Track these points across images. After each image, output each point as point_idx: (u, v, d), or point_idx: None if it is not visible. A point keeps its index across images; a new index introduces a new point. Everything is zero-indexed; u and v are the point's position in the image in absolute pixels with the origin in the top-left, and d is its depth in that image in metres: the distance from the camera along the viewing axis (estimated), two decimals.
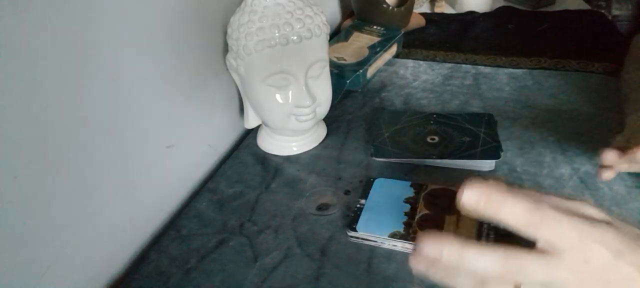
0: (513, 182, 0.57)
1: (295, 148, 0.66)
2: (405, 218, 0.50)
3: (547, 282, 0.27)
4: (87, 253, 0.47)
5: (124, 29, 0.48)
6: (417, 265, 0.30)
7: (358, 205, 0.53)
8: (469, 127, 0.64)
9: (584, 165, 0.58)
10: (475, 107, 0.73)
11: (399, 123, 0.67)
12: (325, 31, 0.60)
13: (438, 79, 0.81)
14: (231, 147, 0.71)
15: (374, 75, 0.84)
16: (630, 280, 0.27)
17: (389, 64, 0.88)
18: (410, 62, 0.88)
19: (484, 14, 1.09)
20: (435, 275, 0.30)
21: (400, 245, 0.48)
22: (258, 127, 0.69)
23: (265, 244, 0.52)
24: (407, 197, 0.53)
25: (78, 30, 0.43)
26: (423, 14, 1.08)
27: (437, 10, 1.17)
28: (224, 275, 0.48)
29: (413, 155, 0.61)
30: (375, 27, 0.92)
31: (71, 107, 0.43)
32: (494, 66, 0.84)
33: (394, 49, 0.89)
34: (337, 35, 0.92)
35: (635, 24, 1.09)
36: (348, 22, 1.03)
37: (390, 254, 0.49)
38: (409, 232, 0.48)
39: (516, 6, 1.12)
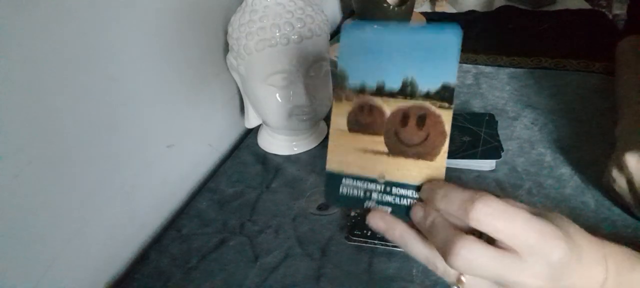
0: (514, 182, 0.57)
1: (295, 148, 0.66)
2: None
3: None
4: (87, 253, 0.47)
5: (124, 29, 0.48)
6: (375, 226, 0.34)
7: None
8: (470, 126, 0.64)
9: (584, 165, 0.58)
10: (476, 106, 0.73)
11: None
12: (326, 31, 0.60)
13: None
14: (231, 147, 0.71)
15: None
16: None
17: None
18: None
19: (485, 14, 1.09)
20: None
21: None
22: (258, 126, 0.69)
23: (266, 244, 0.52)
24: None
25: (78, 30, 0.42)
26: (424, 14, 1.08)
27: (438, 9, 1.17)
28: (224, 275, 0.48)
29: None
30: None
31: (71, 107, 0.43)
32: (494, 66, 0.84)
33: None
34: (337, 34, 0.92)
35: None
36: (349, 22, 1.03)
37: (391, 254, 0.49)
38: None
39: (517, 6, 1.11)
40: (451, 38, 0.33)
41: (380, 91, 0.34)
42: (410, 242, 0.32)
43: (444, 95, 0.33)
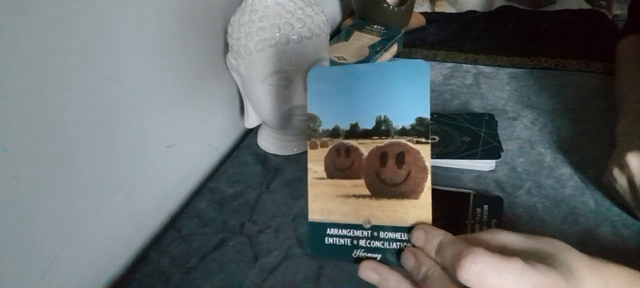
0: (514, 182, 0.57)
1: (295, 148, 0.66)
2: None
3: None
4: (87, 253, 0.47)
5: (124, 29, 0.48)
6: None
7: None
8: (470, 126, 0.64)
9: (584, 165, 0.58)
10: (476, 106, 0.73)
11: None
12: (326, 31, 0.60)
13: (438, 79, 0.81)
14: (231, 147, 0.71)
15: None
16: None
17: None
18: None
19: (485, 14, 1.09)
20: None
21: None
22: (258, 126, 0.69)
23: (266, 244, 0.52)
24: None
25: (78, 30, 0.42)
26: (423, 14, 1.08)
27: (438, 9, 1.17)
28: (224, 275, 0.48)
29: None
30: (375, 26, 0.92)
31: (71, 107, 0.43)
32: (494, 66, 0.84)
33: (394, 49, 0.89)
34: (337, 34, 0.92)
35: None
36: (348, 22, 1.03)
37: None
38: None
39: (516, 6, 1.11)
40: (420, 71, 0.32)
41: (354, 132, 0.33)
42: None
43: (420, 130, 0.32)
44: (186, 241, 0.53)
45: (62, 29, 0.41)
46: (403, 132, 0.32)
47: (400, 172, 0.32)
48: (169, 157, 0.58)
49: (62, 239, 0.44)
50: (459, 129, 0.63)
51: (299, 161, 0.64)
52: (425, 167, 0.32)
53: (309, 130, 0.35)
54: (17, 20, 0.37)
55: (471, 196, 0.53)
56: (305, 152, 0.65)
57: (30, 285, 0.41)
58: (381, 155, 0.33)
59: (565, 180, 0.56)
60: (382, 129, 0.33)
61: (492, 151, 0.59)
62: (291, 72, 0.57)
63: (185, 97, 0.60)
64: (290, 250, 0.51)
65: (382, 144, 0.33)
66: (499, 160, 0.59)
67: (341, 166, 0.34)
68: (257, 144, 0.68)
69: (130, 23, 0.49)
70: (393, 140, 0.33)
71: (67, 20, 0.41)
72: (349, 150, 0.33)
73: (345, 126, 0.34)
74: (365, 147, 0.33)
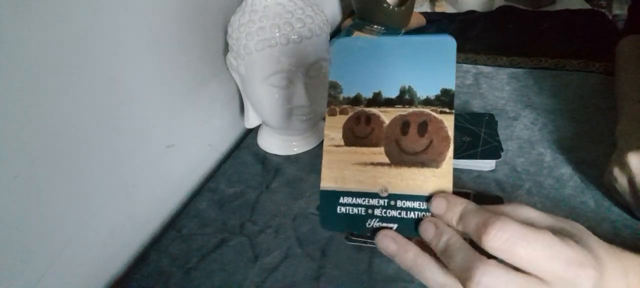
0: (514, 182, 0.57)
1: (295, 148, 0.66)
2: None
3: None
4: (87, 253, 0.47)
5: (124, 29, 0.48)
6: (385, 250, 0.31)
7: None
8: (470, 126, 0.64)
9: (584, 165, 0.58)
10: (476, 106, 0.73)
11: None
12: (326, 31, 0.60)
13: None
14: (231, 147, 0.71)
15: None
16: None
17: None
18: None
19: (485, 14, 1.09)
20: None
21: None
22: (258, 126, 0.69)
23: (266, 244, 0.52)
24: None
25: (78, 30, 0.42)
26: (423, 14, 1.08)
27: (438, 9, 1.17)
28: (224, 275, 0.48)
29: None
30: (375, 26, 0.92)
31: (71, 107, 0.43)
32: (494, 66, 0.84)
33: None
34: (337, 34, 0.92)
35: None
36: (348, 22, 1.03)
37: None
38: None
39: (516, 6, 1.12)
40: (447, 44, 0.32)
41: (376, 100, 0.33)
42: (425, 268, 0.29)
43: (444, 100, 0.31)
44: (186, 241, 0.53)
45: (62, 29, 0.41)
46: (427, 102, 0.32)
47: (422, 140, 0.31)
48: (169, 157, 0.58)
49: (62, 239, 0.44)
50: (459, 129, 0.63)
51: (299, 161, 0.64)
52: (447, 137, 0.31)
53: (329, 98, 0.34)
54: (18, 20, 0.37)
55: (471, 196, 0.53)
56: (306, 152, 0.65)
57: (30, 285, 0.41)
58: (403, 124, 0.32)
59: (565, 180, 0.56)
60: (405, 98, 0.32)
61: (492, 151, 0.59)
62: (291, 72, 0.57)
63: (185, 97, 0.60)
64: (290, 250, 0.51)
65: (404, 113, 0.32)
66: (499, 160, 0.59)
67: (361, 133, 0.33)
68: (257, 144, 0.68)
69: (130, 23, 0.49)
70: (416, 109, 0.32)
71: (67, 20, 0.41)
72: (370, 118, 0.32)
73: (367, 94, 0.33)
74: (387, 115, 0.32)
